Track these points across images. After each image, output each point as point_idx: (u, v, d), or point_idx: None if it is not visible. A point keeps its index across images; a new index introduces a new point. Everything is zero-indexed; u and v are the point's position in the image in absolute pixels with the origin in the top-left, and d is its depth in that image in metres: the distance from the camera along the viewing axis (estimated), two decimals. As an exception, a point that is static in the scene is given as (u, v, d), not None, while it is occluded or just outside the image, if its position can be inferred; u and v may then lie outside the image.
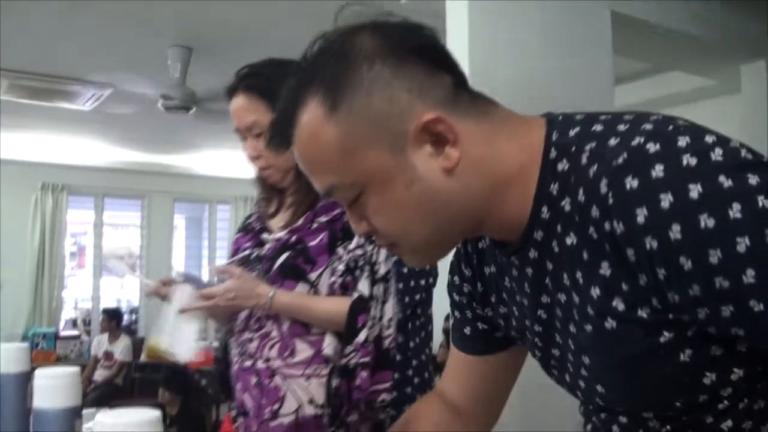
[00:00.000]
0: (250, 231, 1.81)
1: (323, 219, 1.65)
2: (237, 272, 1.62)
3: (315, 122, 0.80)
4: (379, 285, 1.61)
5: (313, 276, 1.62)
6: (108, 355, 6.48)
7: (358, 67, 0.79)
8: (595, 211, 0.74)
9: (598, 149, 0.76)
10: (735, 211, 0.67)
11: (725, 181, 0.68)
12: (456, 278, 1.05)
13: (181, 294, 1.65)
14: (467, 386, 1.10)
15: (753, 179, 0.68)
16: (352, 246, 1.61)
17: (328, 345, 1.60)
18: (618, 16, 3.29)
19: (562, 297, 0.83)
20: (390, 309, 1.62)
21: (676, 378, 0.77)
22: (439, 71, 0.81)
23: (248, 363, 1.68)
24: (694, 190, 0.68)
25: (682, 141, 0.71)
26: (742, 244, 0.67)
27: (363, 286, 1.59)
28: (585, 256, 0.78)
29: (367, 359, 1.56)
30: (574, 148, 0.78)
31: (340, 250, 1.62)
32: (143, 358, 6.74)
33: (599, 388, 0.86)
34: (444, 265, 1.08)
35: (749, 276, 0.67)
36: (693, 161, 0.69)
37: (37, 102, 5.55)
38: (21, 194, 7.52)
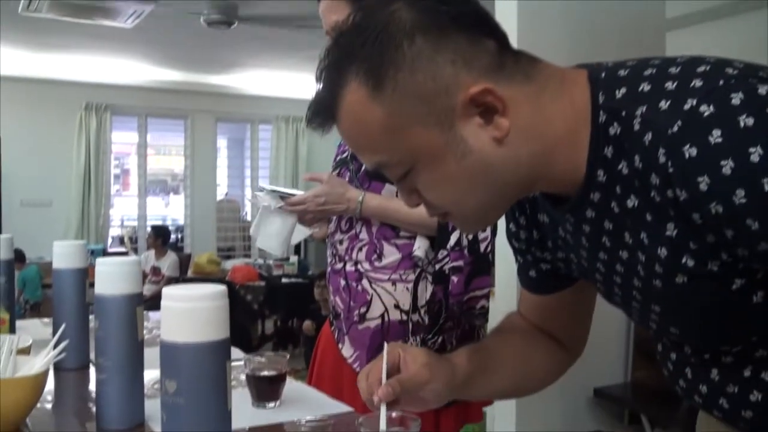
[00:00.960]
0: None
1: None
2: (326, 177, 1.62)
3: (359, 103, 0.79)
4: None
5: None
6: (156, 271, 6.64)
7: (399, 44, 0.76)
8: (654, 179, 0.73)
9: (650, 115, 0.73)
10: None
11: None
12: (512, 226, 1.05)
13: (272, 201, 1.69)
14: (547, 321, 1.10)
15: None
16: None
17: (419, 247, 1.58)
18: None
19: (624, 254, 0.83)
20: None
21: (751, 318, 0.78)
22: (481, 37, 0.79)
23: (339, 265, 1.68)
24: (755, 153, 0.66)
25: (736, 98, 0.68)
26: None
27: None
28: (648, 217, 0.77)
29: (459, 263, 1.54)
30: (624, 113, 0.76)
31: None
32: (190, 273, 6.90)
33: (673, 329, 0.87)
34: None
35: None
36: (750, 122, 0.67)
37: (78, 20, 5.53)
38: (66, 114, 7.60)
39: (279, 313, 6.63)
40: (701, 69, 0.73)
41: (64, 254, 1.40)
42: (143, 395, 1.14)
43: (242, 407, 1.19)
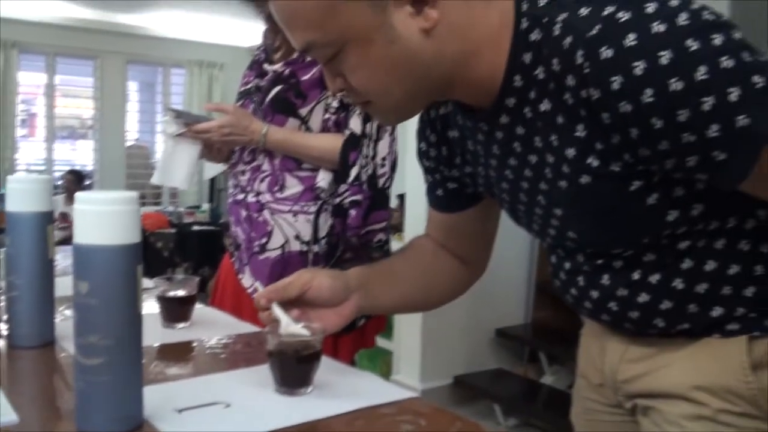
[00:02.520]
0: (255, 63, 1.79)
1: None
2: (231, 108, 1.64)
3: None
4: (372, 122, 1.59)
5: (303, 111, 1.62)
6: (64, 217, 6.46)
7: None
8: (570, 80, 0.79)
9: (570, 20, 0.78)
10: (701, 73, 0.72)
11: (692, 45, 0.72)
12: (423, 144, 1.10)
13: (176, 127, 1.68)
14: (452, 239, 1.16)
15: (717, 39, 0.73)
16: None
17: (323, 179, 1.63)
18: None
19: (533, 158, 0.89)
20: (384, 147, 1.62)
21: (644, 218, 0.86)
22: None
23: (240, 196, 1.71)
24: (664, 57, 0.72)
25: (651, 7, 0.74)
26: (708, 102, 0.72)
27: (354, 124, 1.59)
28: (560, 120, 0.83)
29: (358, 197, 1.59)
30: (546, 19, 0.81)
31: None
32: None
33: (571, 233, 0.93)
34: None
35: (713, 130, 0.73)
36: (662, 28, 0.73)
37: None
38: (-32, 50, 7.21)
39: (190, 261, 6.58)
40: None
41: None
42: (54, 314, 1.16)
43: (152, 328, 1.23)
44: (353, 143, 1.59)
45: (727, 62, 0.72)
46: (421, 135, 1.10)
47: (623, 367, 1.00)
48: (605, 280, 0.94)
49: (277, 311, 0.97)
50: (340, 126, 1.62)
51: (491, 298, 3.63)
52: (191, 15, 7.66)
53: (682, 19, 0.73)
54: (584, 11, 0.77)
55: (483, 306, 3.61)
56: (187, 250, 6.44)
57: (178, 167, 1.69)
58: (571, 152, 0.83)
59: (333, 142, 1.60)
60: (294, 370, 0.94)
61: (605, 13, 0.75)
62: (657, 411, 0.95)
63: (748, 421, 0.88)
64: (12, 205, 1.11)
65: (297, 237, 1.64)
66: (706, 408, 0.90)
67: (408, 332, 3.58)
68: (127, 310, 0.81)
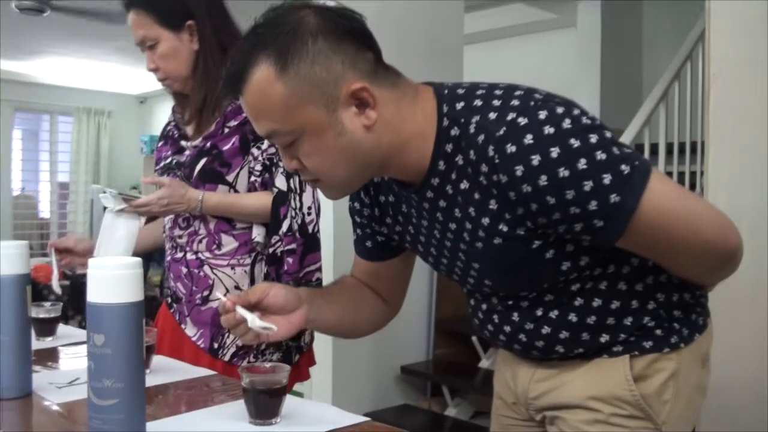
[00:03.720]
0: (170, 139, 1.92)
1: (233, 123, 1.78)
2: (166, 181, 1.73)
3: (266, 79, 1.01)
4: (294, 177, 1.76)
5: (230, 178, 1.77)
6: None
7: (305, 41, 1.00)
8: (484, 167, 1.01)
9: (481, 122, 1.01)
10: (582, 164, 0.95)
11: (574, 143, 0.96)
12: (357, 204, 1.31)
13: (115, 202, 1.74)
14: (375, 282, 1.36)
15: (593, 138, 0.97)
16: (264, 146, 1.76)
17: (258, 234, 1.78)
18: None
19: (453, 225, 1.11)
20: (309, 197, 1.79)
21: (544, 269, 1.08)
22: (364, 48, 1.04)
23: (179, 255, 1.84)
24: (554, 152, 0.95)
25: (542, 114, 0.98)
26: (588, 185, 0.96)
27: (279, 182, 1.76)
28: (476, 196, 1.05)
29: (292, 246, 1.75)
30: (462, 120, 1.04)
31: (254, 151, 1.77)
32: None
33: (487, 282, 1.16)
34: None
35: (593, 205, 0.97)
36: (551, 130, 0.96)
37: None
38: None
39: (84, 313, 6.42)
40: (517, 93, 1.02)
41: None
42: (31, 367, 1.28)
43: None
44: (282, 199, 1.75)
45: (600, 155, 0.97)
46: (356, 197, 1.31)
47: (532, 386, 1.23)
48: (515, 317, 1.17)
49: (242, 311, 1.12)
50: (265, 186, 1.78)
51: (395, 337, 3.84)
52: (79, 62, 7.60)
53: (566, 123, 0.98)
54: (492, 115, 1.01)
55: (388, 345, 3.82)
56: (81, 302, 6.27)
57: (118, 242, 1.76)
58: (485, 220, 1.06)
59: (264, 200, 1.76)
60: (266, 402, 1.10)
61: (509, 118, 0.99)
62: (562, 419, 1.18)
63: (634, 422, 1.13)
64: (-7, 270, 1.23)
65: (237, 287, 1.79)
66: (600, 413, 1.14)
67: (319, 372, 3.72)
68: (135, 358, 0.96)
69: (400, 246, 1.30)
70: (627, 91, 4.71)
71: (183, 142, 1.87)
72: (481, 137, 1.01)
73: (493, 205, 1.04)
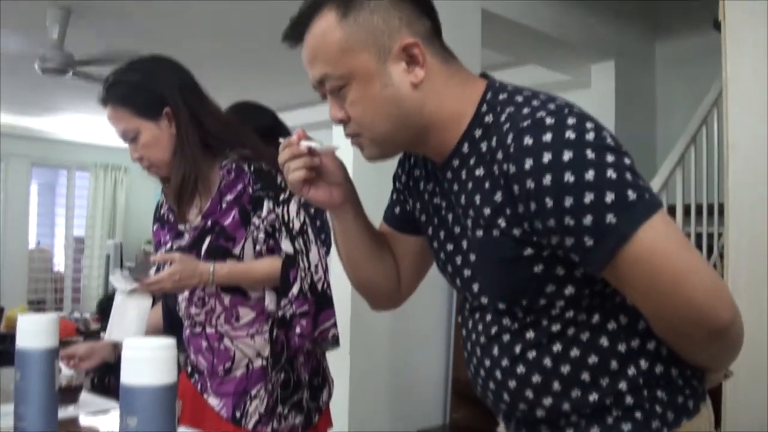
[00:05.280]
0: (166, 223, 1.93)
1: (230, 197, 1.79)
2: (177, 257, 1.74)
3: (327, 24, 1.07)
4: (298, 239, 1.78)
5: (236, 251, 1.78)
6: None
7: None
8: (500, 155, 1.02)
9: (513, 113, 1.03)
10: (589, 175, 0.94)
11: (589, 154, 0.95)
12: (399, 169, 1.33)
13: (127, 283, 1.75)
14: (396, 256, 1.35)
15: (609, 157, 0.96)
16: (264, 213, 1.77)
17: (270, 301, 1.79)
18: (487, 14, 3.64)
19: (461, 210, 1.12)
20: (315, 256, 1.80)
21: (527, 282, 1.06)
22: (423, 15, 1.10)
23: (198, 329, 1.84)
24: (566, 155, 0.95)
25: (570, 120, 0.99)
26: (588, 197, 0.94)
27: (286, 246, 1.77)
28: (486, 185, 1.05)
29: (305, 308, 1.75)
30: (498, 109, 1.06)
31: (255, 221, 1.78)
32: (2, 328, 6.51)
33: (477, 280, 1.15)
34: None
35: (587, 220, 0.95)
36: (572, 136, 0.97)
37: None
38: None
39: (96, 369, 6.40)
40: (558, 101, 1.04)
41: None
42: (56, 439, 1.27)
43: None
44: (291, 262, 1.77)
45: (611, 174, 0.95)
46: (400, 162, 1.33)
47: None
48: (495, 351, 1.13)
49: (305, 142, 1.16)
50: (271, 251, 1.79)
51: (411, 398, 3.80)
52: (97, 119, 7.71)
53: (589, 135, 0.98)
54: (525, 110, 1.03)
55: (404, 406, 3.77)
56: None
57: (130, 323, 1.76)
58: (487, 211, 1.06)
59: (274, 264, 1.77)
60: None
61: (538, 115, 1.01)
62: None
63: None
64: (22, 343, 1.23)
65: (258, 355, 1.79)
66: None
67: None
68: (168, 438, 0.96)
69: (419, 226, 1.29)
70: (641, 151, 4.73)
71: (180, 226, 1.88)
72: (507, 126, 1.02)
73: (498, 197, 1.04)
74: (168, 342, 0.98)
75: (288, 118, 2.65)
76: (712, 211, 3.77)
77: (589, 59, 4.63)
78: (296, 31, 1.11)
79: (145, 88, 1.78)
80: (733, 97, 2.30)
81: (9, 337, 6.10)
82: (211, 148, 1.83)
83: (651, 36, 5.03)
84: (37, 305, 8.14)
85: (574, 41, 4.27)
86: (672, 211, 3.81)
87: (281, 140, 1.19)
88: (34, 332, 1.23)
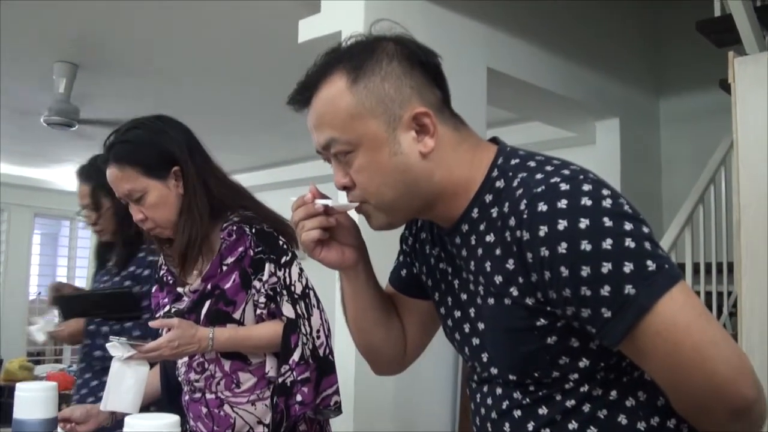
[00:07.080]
0: (165, 285, 1.88)
1: (230, 260, 1.74)
2: (175, 322, 1.69)
3: (337, 89, 1.05)
4: (299, 303, 1.73)
5: (237, 315, 1.73)
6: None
7: (380, 60, 1.05)
8: (512, 221, 0.99)
9: (526, 178, 1.01)
10: (607, 244, 0.91)
11: (607, 222, 0.92)
12: (407, 232, 1.30)
13: (124, 350, 1.68)
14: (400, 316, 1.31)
15: (627, 225, 0.93)
16: (265, 277, 1.73)
17: (271, 367, 1.74)
18: (493, 72, 3.66)
19: (470, 277, 1.09)
20: (317, 320, 1.75)
21: (540, 354, 1.02)
22: (434, 85, 1.09)
23: (197, 395, 1.79)
24: (583, 223, 0.92)
25: (586, 187, 0.96)
26: (606, 267, 0.91)
27: (287, 310, 1.72)
28: (497, 252, 1.02)
29: (306, 375, 1.69)
30: (510, 173, 1.04)
31: (256, 284, 1.73)
32: (1, 381, 6.42)
33: (484, 352, 1.11)
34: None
35: (605, 290, 0.91)
36: (588, 203, 0.94)
37: None
38: None
39: (96, 423, 6.28)
40: (573, 166, 1.01)
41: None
42: None
43: None
44: (292, 327, 1.71)
45: (630, 243, 0.92)
46: (409, 226, 1.29)
47: None
48: (507, 428, 1.08)
49: (320, 201, 1.12)
50: (272, 316, 1.74)
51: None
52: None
53: (606, 203, 0.95)
54: (539, 176, 1.00)
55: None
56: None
57: (127, 392, 1.68)
58: (499, 278, 1.02)
59: (275, 328, 1.72)
60: None
61: (552, 180, 0.98)
62: None
63: None
64: (20, 413, 1.19)
65: (259, 422, 1.73)
66: None
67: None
68: None
69: (426, 291, 1.26)
70: (647, 208, 4.70)
71: (180, 289, 1.83)
72: (520, 191, 1.00)
73: (510, 264, 1.00)
74: (173, 420, 0.94)
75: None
76: (720, 269, 3.74)
77: (594, 116, 4.64)
78: (304, 95, 1.09)
79: (153, 146, 1.76)
80: (743, 158, 2.29)
81: (7, 389, 6.03)
82: (213, 209, 1.79)
83: (655, 94, 5.06)
84: (35, 357, 8.04)
85: (578, 99, 4.29)
86: (681, 269, 3.76)
87: (292, 198, 1.15)
88: (32, 401, 1.19)
